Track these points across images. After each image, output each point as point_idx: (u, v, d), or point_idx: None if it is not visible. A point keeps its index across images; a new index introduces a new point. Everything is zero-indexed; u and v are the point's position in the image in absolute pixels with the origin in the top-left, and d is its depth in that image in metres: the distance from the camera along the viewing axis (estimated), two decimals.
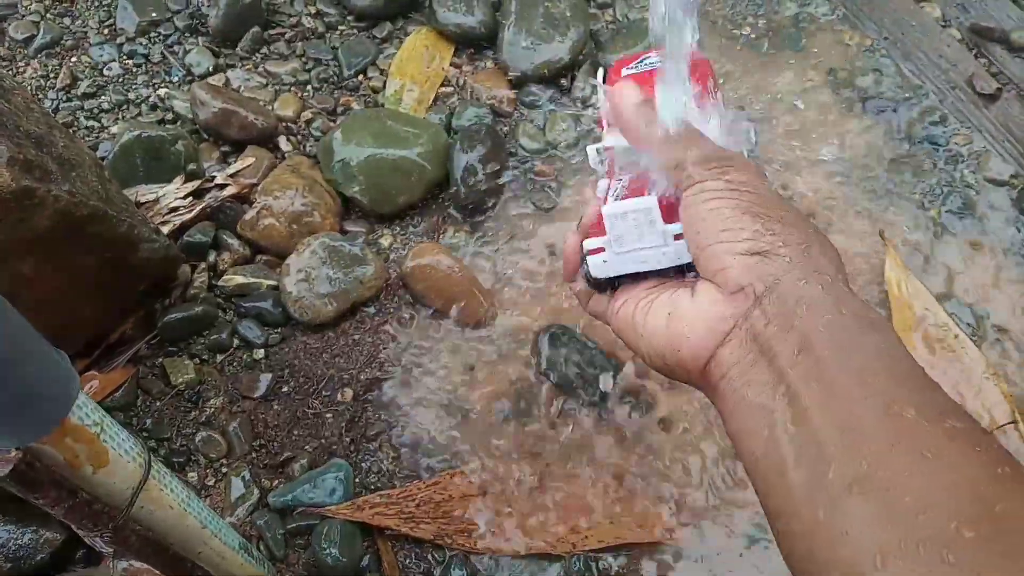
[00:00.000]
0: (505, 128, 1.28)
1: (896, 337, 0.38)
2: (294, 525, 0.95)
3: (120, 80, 1.27)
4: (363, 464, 1.00)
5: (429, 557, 0.95)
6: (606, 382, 1.04)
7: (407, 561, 0.95)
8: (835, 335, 0.36)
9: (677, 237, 0.45)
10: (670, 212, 0.46)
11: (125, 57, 1.30)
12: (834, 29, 1.43)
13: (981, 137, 1.30)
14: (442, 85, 1.31)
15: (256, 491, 0.97)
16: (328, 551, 0.91)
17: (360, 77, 1.32)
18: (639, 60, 0.53)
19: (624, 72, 0.53)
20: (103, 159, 1.13)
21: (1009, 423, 1.03)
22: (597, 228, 0.49)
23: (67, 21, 1.32)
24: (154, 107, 1.25)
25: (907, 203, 1.24)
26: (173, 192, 1.11)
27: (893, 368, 0.36)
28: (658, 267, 0.47)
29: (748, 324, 0.39)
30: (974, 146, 1.29)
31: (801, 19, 1.44)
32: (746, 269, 0.39)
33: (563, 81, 1.32)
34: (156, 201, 1.10)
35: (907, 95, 1.35)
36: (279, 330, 1.08)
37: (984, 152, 1.29)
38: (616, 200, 0.48)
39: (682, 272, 0.47)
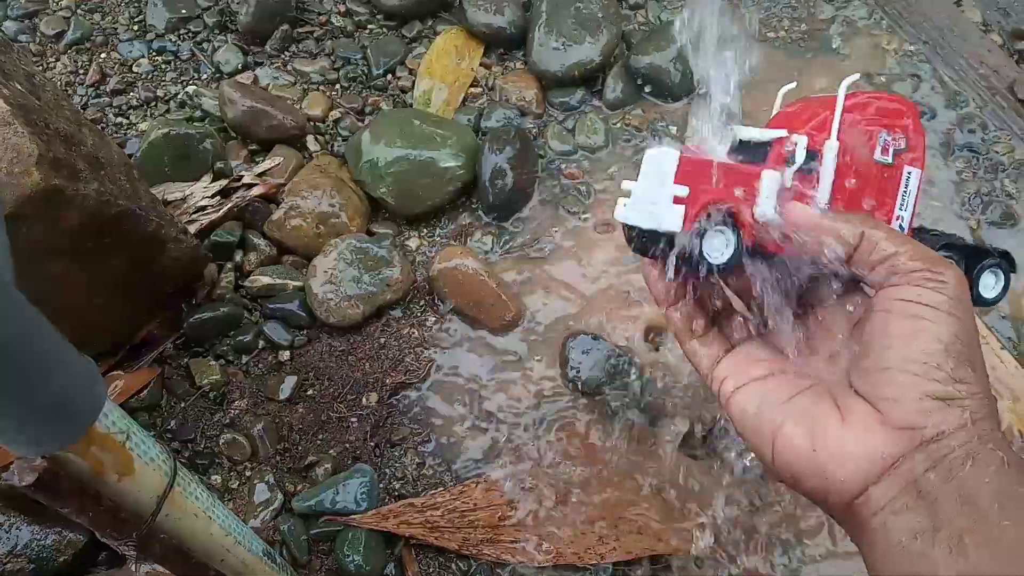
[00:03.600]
0: (534, 130, 1.26)
1: None
2: (317, 531, 0.94)
3: (149, 77, 1.27)
4: (387, 470, 0.99)
5: (453, 567, 0.93)
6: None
7: (431, 570, 0.93)
8: (999, 488, 0.35)
9: (677, 201, 0.44)
10: (688, 176, 0.44)
11: (154, 54, 1.29)
12: (872, 33, 1.40)
13: (1023, 145, 1.27)
14: (471, 86, 1.30)
15: (280, 495, 0.95)
16: (351, 558, 0.90)
17: (389, 77, 1.30)
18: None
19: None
20: (131, 156, 1.12)
21: None
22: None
23: (97, 17, 1.32)
24: (182, 104, 1.25)
25: (945, 213, 1.21)
26: (200, 191, 1.10)
27: None
28: (640, 225, 0.45)
29: (908, 465, 0.38)
30: (1016, 154, 1.26)
31: (838, 23, 1.41)
32: (923, 412, 0.38)
33: (594, 83, 1.30)
34: (183, 200, 1.09)
35: (946, 101, 1.31)
36: (304, 332, 1.07)
37: None
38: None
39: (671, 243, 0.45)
